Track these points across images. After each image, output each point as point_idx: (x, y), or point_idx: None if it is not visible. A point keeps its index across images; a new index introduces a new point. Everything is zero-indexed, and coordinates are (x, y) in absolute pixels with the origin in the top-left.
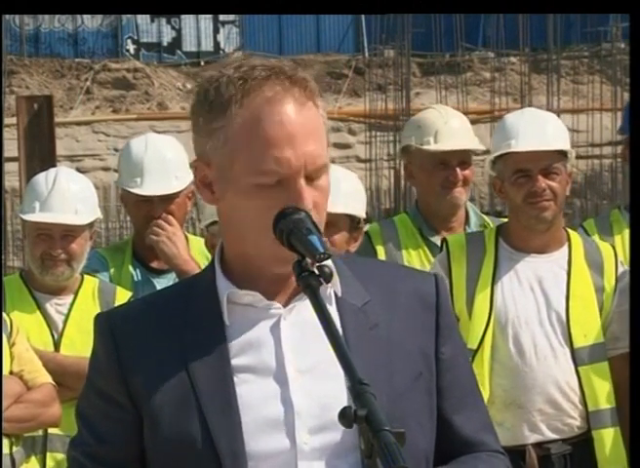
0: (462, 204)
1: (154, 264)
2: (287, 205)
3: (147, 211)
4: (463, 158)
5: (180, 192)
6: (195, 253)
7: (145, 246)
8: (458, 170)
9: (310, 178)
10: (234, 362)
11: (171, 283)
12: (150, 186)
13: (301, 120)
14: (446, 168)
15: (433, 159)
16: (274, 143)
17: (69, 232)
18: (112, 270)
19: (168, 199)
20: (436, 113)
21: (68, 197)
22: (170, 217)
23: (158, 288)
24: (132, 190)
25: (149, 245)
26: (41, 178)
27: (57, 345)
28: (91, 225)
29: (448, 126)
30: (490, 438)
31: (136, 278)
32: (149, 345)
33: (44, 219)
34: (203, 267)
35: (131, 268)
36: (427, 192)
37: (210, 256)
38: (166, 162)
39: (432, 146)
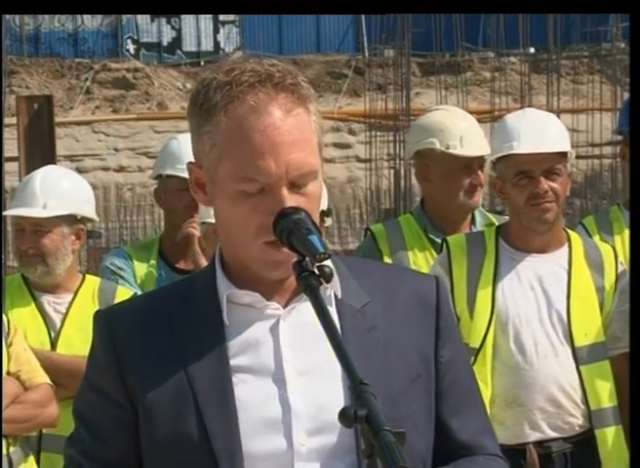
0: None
1: (180, 265)
2: (271, 212)
3: (189, 200)
4: (482, 162)
5: None
6: None
7: (174, 244)
8: (479, 173)
9: (296, 185)
10: (233, 362)
11: None
12: None
13: (286, 128)
14: (469, 172)
15: (459, 163)
16: (257, 152)
17: (39, 227)
18: (136, 268)
19: None
20: (454, 115)
21: (38, 192)
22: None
23: None
24: (178, 174)
25: (183, 236)
26: (25, 178)
27: (54, 344)
28: (70, 222)
29: (470, 129)
30: (489, 441)
31: (160, 277)
32: (148, 343)
33: (12, 213)
34: None
35: (156, 267)
36: (448, 196)
37: None
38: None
39: (459, 151)
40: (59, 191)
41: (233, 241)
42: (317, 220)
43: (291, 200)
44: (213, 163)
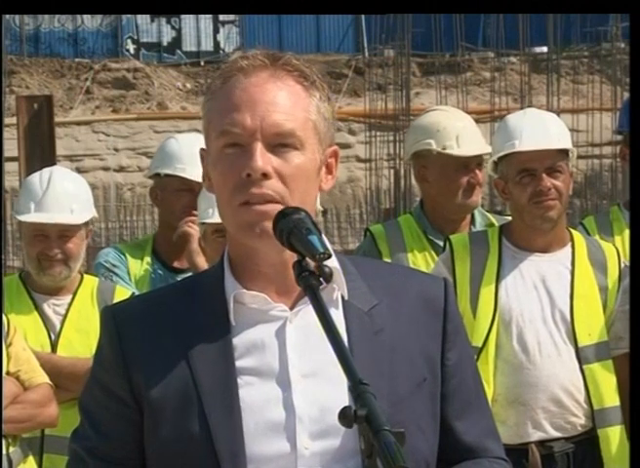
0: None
1: (175, 264)
2: (247, 171)
3: (189, 201)
4: (479, 161)
5: None
6: None
7: (169, 244)
8: (477, 172)
9: (275, 147)
10: (238, 363)
11: None
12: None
13: (271, 89)
14: (466, 171)
15: (456, 163)
16: (235, 106)
17: (65, 232)
18: (130, 265)
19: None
20: (450, 116)
21: (63, 197)
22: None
23: None
24: (177, 173)
25: (180, 234)
26: (35, 179)
27: (54, 346)
28: (86, 224)
29: (466, 129)
30: (493, 444)
31: (154, 275)
32: (154, 341)
33: (40, 220)
34: None
35: (150, 265)
36: (446, 196)
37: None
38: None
39: (456, 151)
40: (78, 195)
41: (221, 212)
42: (297, 192)
43: (264, 158)
44: (206, 128)
